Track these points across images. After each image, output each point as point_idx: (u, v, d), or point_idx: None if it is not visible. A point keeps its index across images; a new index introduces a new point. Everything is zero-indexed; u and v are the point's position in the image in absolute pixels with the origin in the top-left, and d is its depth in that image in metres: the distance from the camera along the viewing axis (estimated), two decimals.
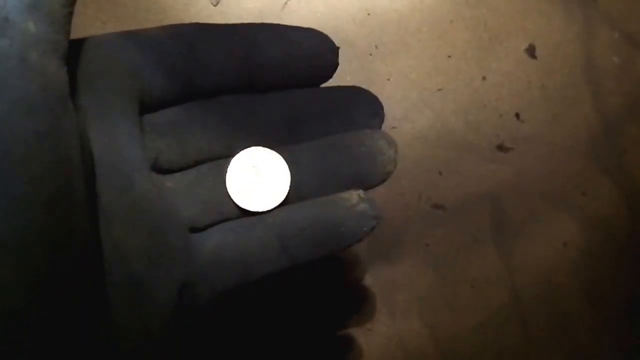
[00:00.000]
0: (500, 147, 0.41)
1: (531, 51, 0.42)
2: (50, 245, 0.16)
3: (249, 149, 0.25)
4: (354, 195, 0.25)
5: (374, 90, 0.40)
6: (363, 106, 0.27)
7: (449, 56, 0.41)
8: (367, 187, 0.26)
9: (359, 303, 0.38)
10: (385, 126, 0.39)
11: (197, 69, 0.24)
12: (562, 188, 0.42)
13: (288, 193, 0.25)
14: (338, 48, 0.26)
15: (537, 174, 0.42)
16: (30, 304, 0.16)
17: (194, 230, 0.24)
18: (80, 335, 0.18)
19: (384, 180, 0.26)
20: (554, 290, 0.41)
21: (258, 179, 0.24)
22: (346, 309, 0.38)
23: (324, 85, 0.27)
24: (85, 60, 0.21)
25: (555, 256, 0.41)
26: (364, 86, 0.39)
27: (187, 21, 0.38)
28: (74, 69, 0.20)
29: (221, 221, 0.25)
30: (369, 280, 0.39)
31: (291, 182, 0.25)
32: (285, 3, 0.40)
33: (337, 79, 0.39)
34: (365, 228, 0.25)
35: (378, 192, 0.39)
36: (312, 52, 0.25)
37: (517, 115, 0.41)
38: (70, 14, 0.19)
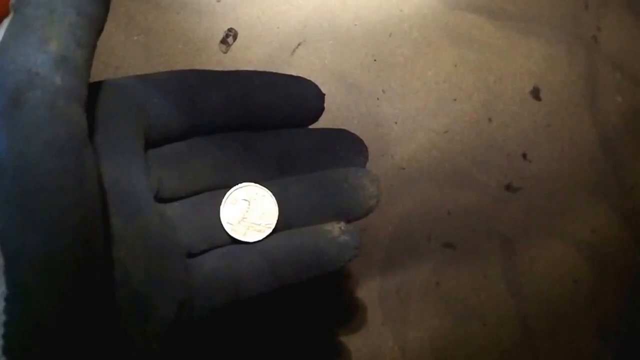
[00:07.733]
0: (509, 187, 0.42)
1: (536, 93, 0.43)
2: (75, 265, 0.18)
3: (241, 185, 0.27)
4: (335, 227, 0.27)
5: (381, 132, 0.41)
6: (348, 146, 0.29)
7: (455, 99, 0.42)
8: (350, 220, 0.28)
9: (370, 341, 0.38)
10: (393, 167, 0.40)
11: (197, 109, 0.26)
12: (570, 226, 0.42)
13: (276, 223, 0.27)
14: (324, 95, 0.28)
15: (545, 213, 0.42)
16: (55, 314, 0.18)
17: (191, 255, 0.26)
18: (91, 345, 0.20)
19: (367, 214, 0.28)
20: (566, 327, 0.41)
21: (249, 212, 0.27)
22: (358, 347, 0.38)
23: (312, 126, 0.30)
24: (99, 102, 0.24)
25: (566, 293, 0.41)
26: (372, 129, 0.40)
27: (197, 67, 0.39)
28: (89, 109, 0.22)
29: (215, 247, 0.27)
30: (380, 318, 0.39)
31: (279, 214, 0.27)
32: (294, 50, 0.41)
33: (345, 122, 0.40)
34: (346, 257, 0.27)
35: (387, 230, 0.40)
36: (301, 98, 0.28)
37: (524, 155, 0.42)
38: (90, 66, 0.21)
